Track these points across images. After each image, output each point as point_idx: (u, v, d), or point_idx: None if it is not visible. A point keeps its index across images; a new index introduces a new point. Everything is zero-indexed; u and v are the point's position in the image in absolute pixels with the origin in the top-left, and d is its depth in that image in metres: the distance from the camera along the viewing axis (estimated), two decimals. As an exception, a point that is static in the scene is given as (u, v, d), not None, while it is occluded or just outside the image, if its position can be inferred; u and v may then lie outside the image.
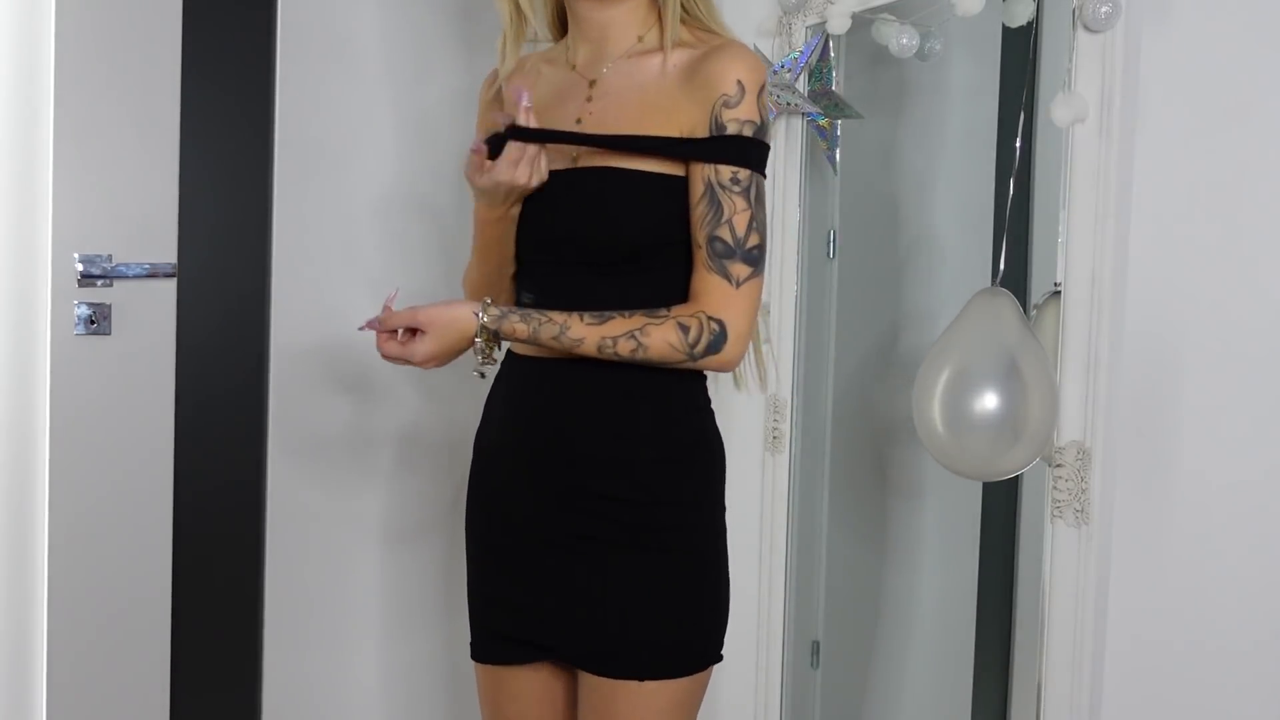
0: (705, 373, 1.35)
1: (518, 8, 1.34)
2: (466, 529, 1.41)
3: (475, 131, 1.46)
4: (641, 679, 1.25)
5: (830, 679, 2.25)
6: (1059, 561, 1.58)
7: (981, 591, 2.10)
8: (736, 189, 1.24)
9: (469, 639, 1.41)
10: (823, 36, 2.02)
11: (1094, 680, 1.55)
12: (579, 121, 1.31)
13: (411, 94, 1.96)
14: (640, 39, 1.33)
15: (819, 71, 2.06)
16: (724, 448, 1.39)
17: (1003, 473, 1.58)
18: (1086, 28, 1.52)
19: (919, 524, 2.22)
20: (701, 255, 1.26)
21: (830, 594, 2.24)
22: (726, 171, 1.24)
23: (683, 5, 1.32)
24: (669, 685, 1.26)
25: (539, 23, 1.36)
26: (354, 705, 1.98)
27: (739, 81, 1.25)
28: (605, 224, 1.26)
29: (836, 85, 2.06)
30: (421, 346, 1.24)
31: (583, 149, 1.28)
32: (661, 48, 1.31)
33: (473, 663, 1.41)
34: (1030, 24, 1.73)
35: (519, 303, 1.35)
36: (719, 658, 1.33)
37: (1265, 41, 1.37)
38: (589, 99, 1.32)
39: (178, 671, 1.80)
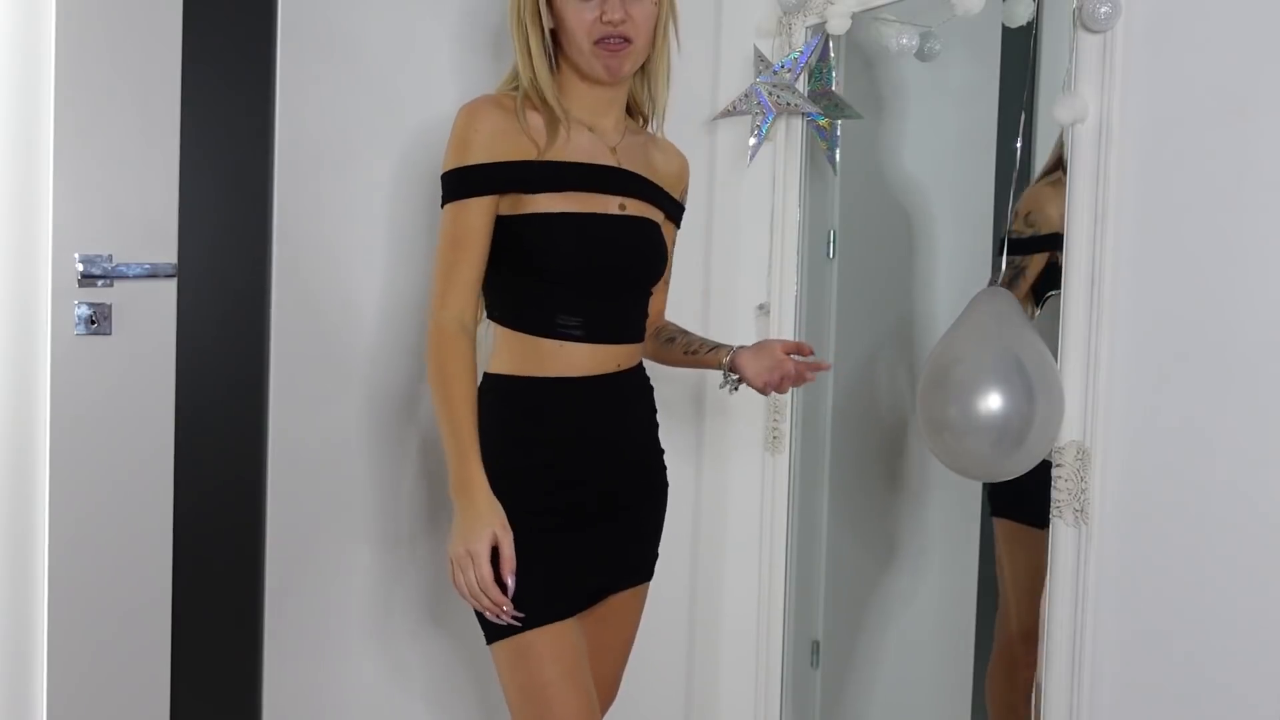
0: None
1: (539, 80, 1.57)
2: (529, 516, 1.51)
3: (452, 153, 1.53)
4: (649, 580, 1.71)
5: (830, 679, 2.25)
6: (1059, 561, 1.58)
7: (981, 591, 2.10)
8: None
9: (479, 633, 1.55)
10: (823, 37, 2.02)
11: (1094, 680, 1.55)
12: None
13: (411, 94, 1.96)
14: (623, 126, 1.65)
15: (819, 71, 2.06)
16: None
17: (1008, 473, 1.58)
18: (1086, 28, 1.52)
19: (919, 524, 2.22)
20: (666, 288, 1.79)
21: (830, 594, 2.24)
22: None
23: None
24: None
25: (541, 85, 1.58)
26: (354, 705, 1.98)
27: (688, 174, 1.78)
28: (649, 262, 1.62)
29: (836, 85, 2.06)
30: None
31: (628, 199, 1.59)
32: (644, 131, 1.70)
33: (515, 644, 1.49)
34: (1030, 24, 1.74)
35: (561, 326, 1.54)
36: None
37: (1264, 41, 1.37)
38: (618, 162, 1.61)
39: (178, 671, 1.80)
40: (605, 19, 1.50)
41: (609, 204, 1.57)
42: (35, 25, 1.67)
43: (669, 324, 1.79)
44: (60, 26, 1.65)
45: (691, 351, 1.71)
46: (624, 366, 1.60)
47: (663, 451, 1.72)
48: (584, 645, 1.56)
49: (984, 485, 2.02)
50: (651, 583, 1.72)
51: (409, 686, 2.03)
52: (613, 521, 1.59)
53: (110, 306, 1.70)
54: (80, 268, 1.67)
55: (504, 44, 2.08)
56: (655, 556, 1.72)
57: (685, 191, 1.78)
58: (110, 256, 1.70)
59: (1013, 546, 1.90)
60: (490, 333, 1.60)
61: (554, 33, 1.56)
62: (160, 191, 1.74)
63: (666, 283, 1.79)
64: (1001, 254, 1.72)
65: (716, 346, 1.70)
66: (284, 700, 1.91)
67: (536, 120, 1.55)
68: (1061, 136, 1.64)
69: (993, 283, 1.68)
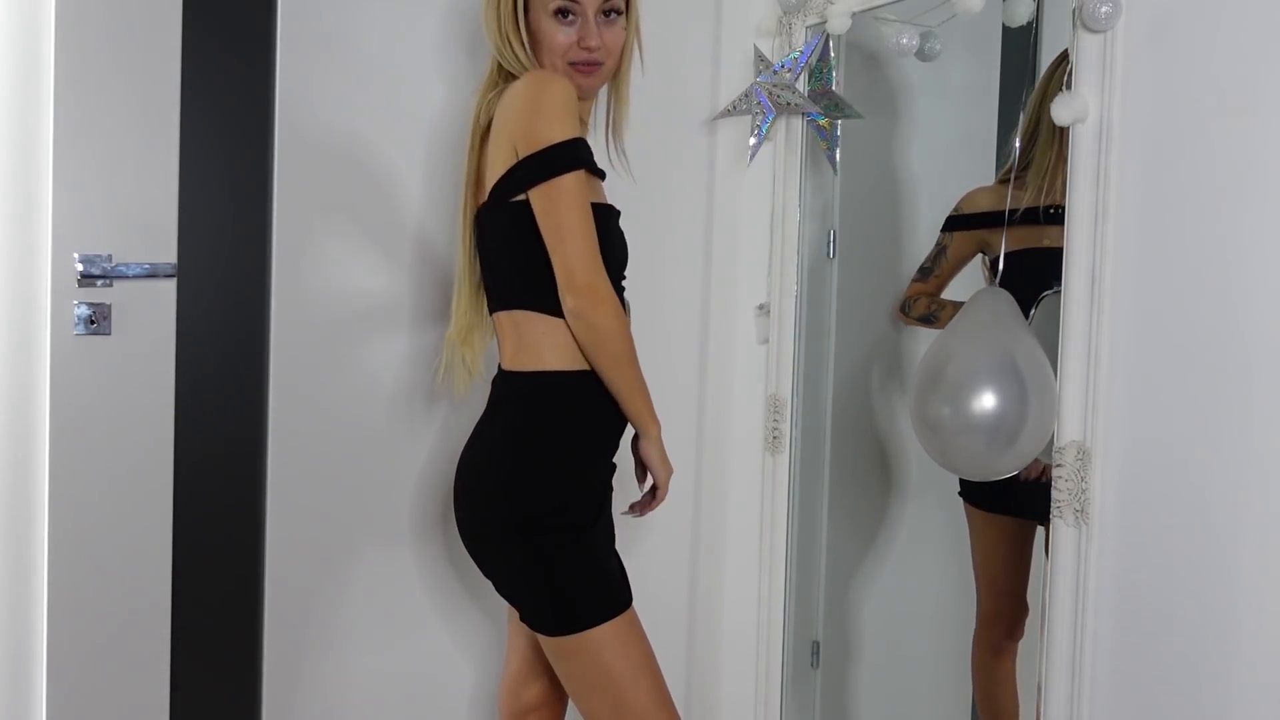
0: None
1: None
2: (596, 513, 1.56)
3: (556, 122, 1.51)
4: None
5: (830, 679, 2.25)
6: (1059, 561, 1.58)
7: (981, 591, 2.10)
8: None
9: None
10: (823, 36, 2.02)
11: (1094, 680, 1.55)
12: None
13: (411, 93, 1.96)
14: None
15: (819, 71, 2.06)
16: None
17: (1000, 471, 1.58)
18: (1086, 28, 1.52)
19: (919, 524, 2.22)
20: None
21: (830, 594, 2.24)
22: None
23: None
24: None
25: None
26: (354, 705, 1.98)
27: None
28: None
29: (836, 85, 2.06)
30: None
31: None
32: (619, 150, 1.72)
33: (627, 618, 1.54)
34: (1030, 24, 1.74)
35: None
36: None
37: (1264, 41, 1.37)
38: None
39: (178, 672, 1.80)
40: (583, 44, 1.57)
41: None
42: (35, 25, 1.67)
43: None
44: (60, 26, 1.65)
45: None
46: None
47: None
48: None
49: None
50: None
51: (409, 686, 2.03)
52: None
53: (110, 306, 1.70)
54: (80, 268, 1.67)
55: (504, 44, 2.08)
56: None
57: None
58: (110, 256, 1.70)
59: (970, 528, 1.98)
60: (494, 328, 1.62)
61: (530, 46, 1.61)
62: (160, 191, 1.74)
63: None
64: (1001, 253, 1.73)
65: None
66: (284, 700, 1.91)
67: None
68: (1019, 139, 1.76)
69: (991, 283, 1.68)
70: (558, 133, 1.47)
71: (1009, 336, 1.54)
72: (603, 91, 1.69)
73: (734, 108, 2.09)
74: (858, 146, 2.14)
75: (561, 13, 1.58)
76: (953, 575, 2.12)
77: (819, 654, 2.23)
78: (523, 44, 1.59)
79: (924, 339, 2.16)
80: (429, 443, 2.00)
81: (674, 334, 2.20)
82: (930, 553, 2.21)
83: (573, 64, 1.59)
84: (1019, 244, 1.72)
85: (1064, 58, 1.64)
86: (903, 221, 2.20)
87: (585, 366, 1.52)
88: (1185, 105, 1.45)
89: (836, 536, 2.22)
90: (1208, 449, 1.43)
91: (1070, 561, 1.56)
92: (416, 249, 1.97)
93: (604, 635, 1.50)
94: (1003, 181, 1.81)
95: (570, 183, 1.46)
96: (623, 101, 1.70)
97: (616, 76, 1.67)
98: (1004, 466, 1.55)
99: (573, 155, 1.47)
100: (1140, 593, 1.51)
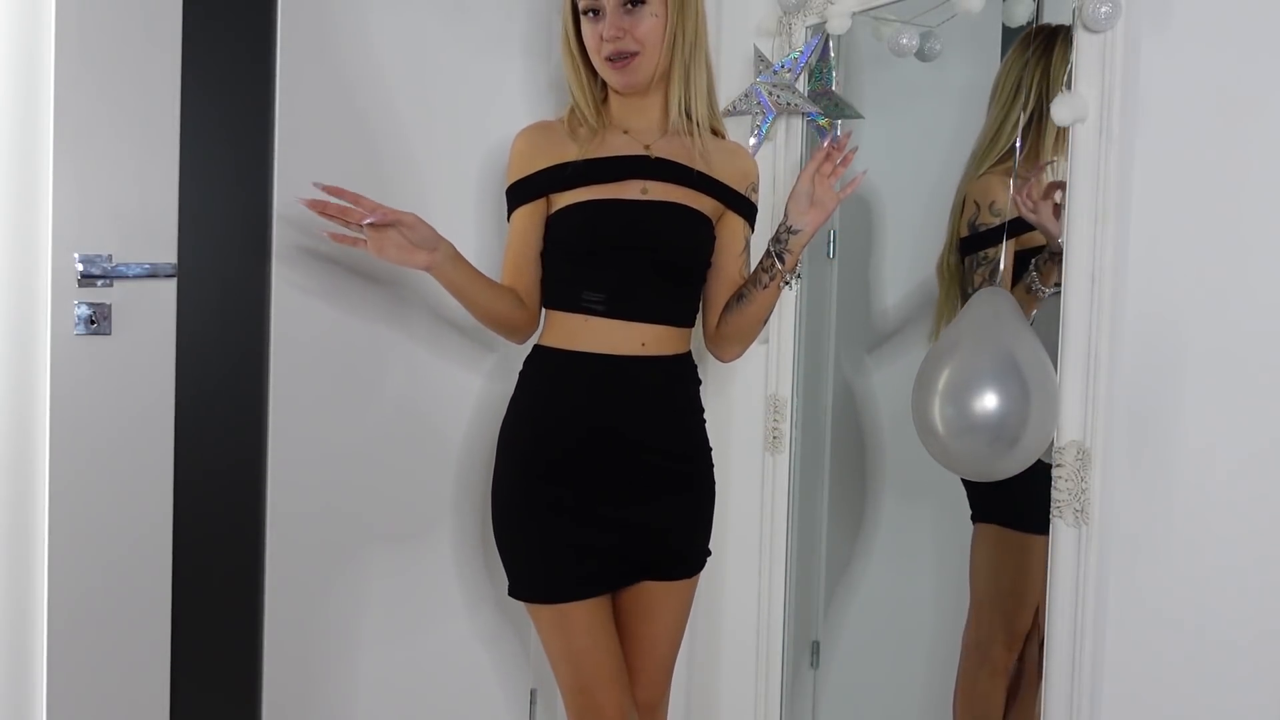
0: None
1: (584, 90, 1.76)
2: (525, 502, 1.68)
3: (506, 176, 1.77)
4: (689, 577, 1.77)
5: (830, 679, 2.25)
6: (1059, 561, 1.58)
7: (981, 592, 2.10)
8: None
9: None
10: (823, 36, 2.02)
11: (1094, 680, 1.55)
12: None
13: (411, 94, 1.96)
14: (665, 128, 1.77)
15: (819, 71, 2.06)
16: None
17: (1002, 473, 1.58)
18: (1086, 28, 1.52)
19: (919, 524, 2.22)
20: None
21: (830, 594, 2.24)
22: (750, 232, 1.81)
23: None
24: (696, 577, 1.80)
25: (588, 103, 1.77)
26: (354, 705, 1.98)
27: (758, 175, 1.83)
28: (675, 243, 1.69)
29: (836, 85, 2.06)
30: None
31: (651, 183, 1.70)
32: (690, 134, 1.74)
33: (538, 612, 1.68)
34: (1030, 24, 1.74)
35: (585, 300, 1.68)
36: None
37: (1265, 41, 1.37)
38: (648, 154, 1.73)
39: (178, 671, 1.80)
40: (605, 36, 1.66)
41: (630, 189, 1.69)
42: (35, 25, 1.67)
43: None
44: (60, 27, 1.64)
45: (753, 283, 1.71)
46: (650, 349, 1.68)
47: (702, 449, 1.78)
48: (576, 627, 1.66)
49: (966, 489, 2.00)
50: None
51: (409, 686, 2.03)
52: (624, 511, 1.67)
53: (110, 306, 1.70)
54: (80, 268, 1.67)
55: (502, 42, 2.08)
56: (691, 554, 1.77)
57: (753, 189, 1.81)
58: (110, 256, 1.70)
59: (999, 551, 1.89)
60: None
61: None
62: (160, 191, 1.74)
63: (736, 280, 1.78)
64: (1001, 254, 1.72)
65: (766, 254, 1.68)
66: (284, 700, 1.91)
67: (580, 132, 1.74)
68: (1013, 127, 1.75)
69: (992, 282, 1.68)
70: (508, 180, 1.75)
71: (1011, 336, 1.54)
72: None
73: (734, 108, 2.09)
74: (858, 146, 2.13)
75: (590, 12, 1.67)
76: (952, 575, 2.12)
77: (819, 654, 2.23)
78: (584, 55, 1.72)
79: (923, 339, 2.16)
80: (429, 441, 2.00)
81: (674, 334, 2.20)
82: (930, 552, 2.21)
83: (607, 60, 1.67)
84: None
85: (1030, 36, 1.65)
86: (903, 221, 2.20)
87: (557, 345, 1.70)
88: (1185, 105, 1.45)
89: (836, 536, 2.22)
90: (1208, 448, 1.43)
91: (1070, 562, 1.56)
92: (416, 249, 1.96)
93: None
94: (1005, 173, 1.77)
95: (511, 221, 1.75)
96: (685, 93, 1.71)
97: (670, 70, 1.70)
98: (1007, 467, 1.55)
99: (509, 201, 1.75)
100: (1140, 593, 1.51)
